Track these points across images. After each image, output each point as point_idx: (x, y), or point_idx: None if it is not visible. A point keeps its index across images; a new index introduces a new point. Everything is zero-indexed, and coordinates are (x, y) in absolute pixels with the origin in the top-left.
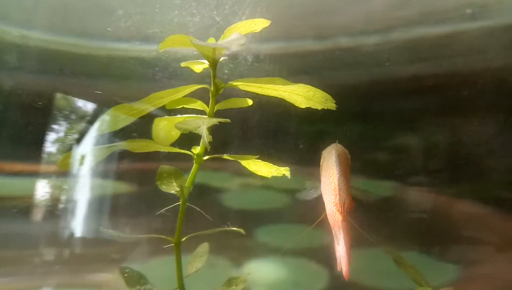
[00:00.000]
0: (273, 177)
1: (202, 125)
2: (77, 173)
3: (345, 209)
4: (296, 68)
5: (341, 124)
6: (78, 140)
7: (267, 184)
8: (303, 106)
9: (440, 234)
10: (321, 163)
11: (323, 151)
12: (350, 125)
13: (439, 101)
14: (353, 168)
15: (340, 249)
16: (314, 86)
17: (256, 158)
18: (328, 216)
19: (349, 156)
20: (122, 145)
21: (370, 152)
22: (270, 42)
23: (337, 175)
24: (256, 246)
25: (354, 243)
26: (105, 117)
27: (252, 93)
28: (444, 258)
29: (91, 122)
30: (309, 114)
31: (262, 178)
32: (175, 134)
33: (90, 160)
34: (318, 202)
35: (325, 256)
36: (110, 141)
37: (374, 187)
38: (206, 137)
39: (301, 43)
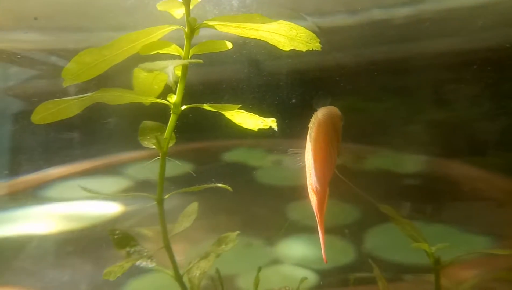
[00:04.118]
0: None
1: (170, 65)
2: None
3: (319, 191)
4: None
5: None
6: None
7: None
8: (286, 48)
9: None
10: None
11: None
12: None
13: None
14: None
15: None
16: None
17: (239, 108)
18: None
19: (341, 119)
20: (95, 96)
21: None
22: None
23: (313, 152)
24: (288, 223)
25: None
26: (70, 65)
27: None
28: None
29: None
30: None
31: None
32: (158, 87)
33: None
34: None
35: (352, 233)
36: None
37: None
38: (172, 77)
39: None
